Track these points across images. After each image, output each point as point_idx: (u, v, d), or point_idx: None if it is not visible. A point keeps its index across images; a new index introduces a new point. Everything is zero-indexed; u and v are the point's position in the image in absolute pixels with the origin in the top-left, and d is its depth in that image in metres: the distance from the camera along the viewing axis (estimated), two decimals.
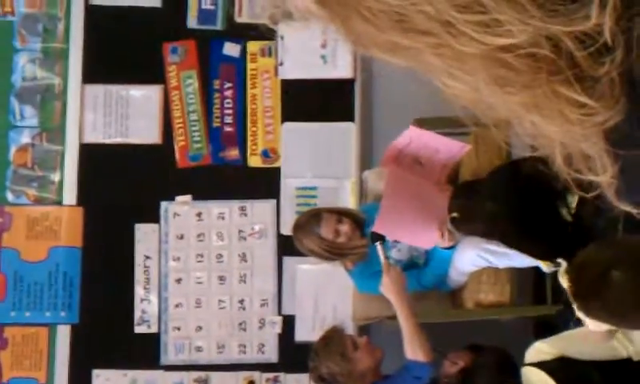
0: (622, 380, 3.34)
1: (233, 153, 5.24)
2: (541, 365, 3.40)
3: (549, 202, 3.17)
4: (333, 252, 4.31)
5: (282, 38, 5.18)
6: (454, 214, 3.81)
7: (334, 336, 4.18)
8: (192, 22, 5.31)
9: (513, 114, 1.11)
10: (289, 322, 5.11)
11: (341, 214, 4.35)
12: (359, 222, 4.36)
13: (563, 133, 1.09)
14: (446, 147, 4.10)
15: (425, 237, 4.14)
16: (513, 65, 1.04)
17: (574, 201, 3.21)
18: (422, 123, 4.43)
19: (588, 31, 1.02)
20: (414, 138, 4.08)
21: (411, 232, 4.16)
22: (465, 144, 4.14)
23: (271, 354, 5.11)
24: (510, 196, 3.24)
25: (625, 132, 1.09)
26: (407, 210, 4.06)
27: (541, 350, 3.49)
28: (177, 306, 5.16)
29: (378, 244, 4.09)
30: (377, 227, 4.10)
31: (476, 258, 4.09)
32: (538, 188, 3.14)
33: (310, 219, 4.32)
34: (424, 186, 4.06)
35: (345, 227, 4.28)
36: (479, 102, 1.09)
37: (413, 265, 4.37)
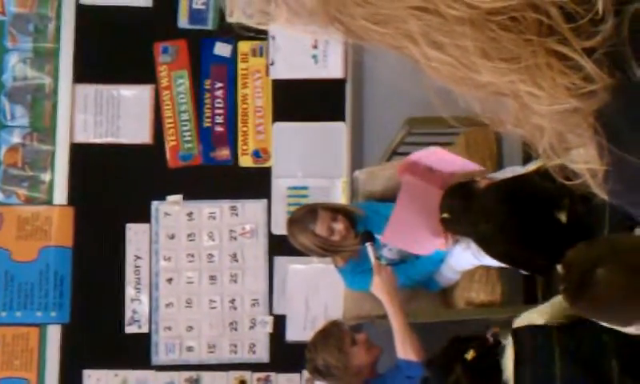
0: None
1: (224, 153, 5.24)
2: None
3: (545, 213, 3.17)
4: (326, 249, 4.31)
5: (273, 37, 5.19)
6: (445, 215, 3.81)
7: (333, 329, 4.19)
8: (183, 21, 5.31)
9: (499, 90, 1.10)
10: (280, 322, 5.12)
11: (336, 211, 4.35)
12: (353, 219, 4.36)
13: (553, 112, 1.08)
14: (459, 163, 4.10)
15: (428, 245, 4.15)
16: (501, 32, 1.03)
17: (567, 202, 3.21)
18: (413, 123, 4.44)
19: (575, 4, 1.02)
20: (435, 153, 4.08)
21: (416, 242, 4.16)
22: (480, 166, 4.13)
23: (262, 354, 5.12)
24: (500, 216, 3.24)
25: (613, 122, 1.08)
26: (415, 220, 4.06)
27: (524, 315, 3.53)
28: (168, 305, 5.16)
29: (368, 244, 4.09)
30: (386, 237, 4.11)
31: (470, 257, 4.09)
32: (532, 202, 3.15)
33: (306, 215, 4.31)
34: (433, 194, 4.05)
35: (339, 226, 4.27)
36: (463, 79, 1.08)
37: (403, 262, 4.37)
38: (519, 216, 3.19)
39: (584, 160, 1.14)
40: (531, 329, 3.49)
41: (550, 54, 1.04)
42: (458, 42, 1.03)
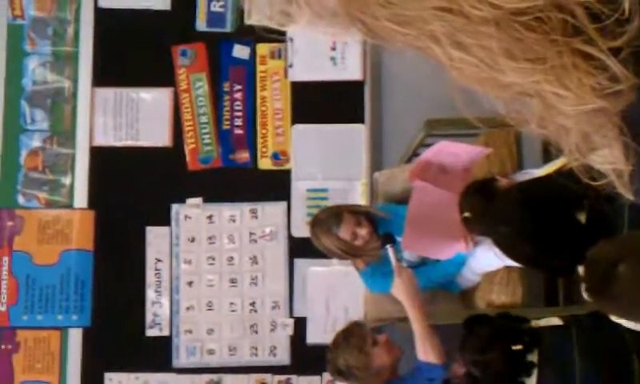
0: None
1: (243, 155, 5.25)
2: None
3: (565, 215, 3.16)
4: (348, 252, 4.31)
5: (291, 39, 5.19)
6: (466, 214, 3.80)
7: (354, 330, 4.18)
8: (201, 24, 5.31)
9: (524, 91, 1.09)
10: (300, 324, 5.11)
11: (361, 215, 4.33)
12: (376, 223, 4.35)
13: (579, 112, 1.07)
14: (466, 151, 4.10)
15: (448, 250, 4.14)
16: (526, 33, 1.02)
17: (587, 203, 3.21)
18: (433, 124, 4.43)
19: (601, 4, 1.01)
20: (442, 147, 4.08)
21: (435, 247, 4.15)
22: (484, 148, 4.13)
23: (283, 357, 5.11)
24: (521, 219, 3.23)
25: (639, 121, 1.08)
26: (431, 226, 4.05)
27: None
28: (188, 308, 5.16)
29: (389, 246, 4.07)
30: (404, 245, 4.11)
31: (493, 258, 4.08)
32: (552, 204, 3.14)
33: (330, 218, 4.30)
34: (448, 198, 4.04)
35: (363, 231, 4.26)
36: (487, 79, 1.07)
37: (423, 264, 4.36)
38: (538, 218, 3.18)
39: (609, 160, 1.13)
40: (551, 329, 3.48)
41: (576, 55, 1.03)
42: (483, 42, 1.03)
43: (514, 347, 3.42)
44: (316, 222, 4.34)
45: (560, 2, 1.01)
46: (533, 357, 3.37)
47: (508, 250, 3.43)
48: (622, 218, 3.00)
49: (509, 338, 3.46)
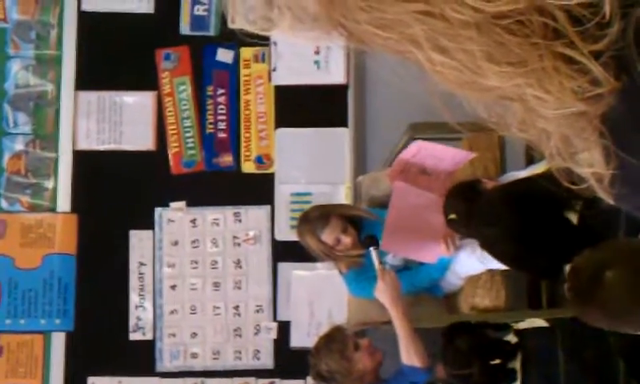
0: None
1: (226, 159, 5.24)
2: None
3: (552, 214, 3.16)
4: (328, 255, 4.31)
5: (275, 43, 5.18)
6: (452, 216, 3.79)
7: (335, 335, 4.18)
8: (185, 28, 5.30)
9: (506, 94, 1.09)
10: (284, 328, 5.11)
11: (349, 221, 4.31)
12: (361, 228, 4.34)
13: (560, 115, 1.07)
14: (450, 155, 4.08)
15: (430, 252, 4.13)
16: (507, 36, 1.02)
17: (578, 204, 3.21)
18: (416, 128, 4.43)
19: (582, 8, 1.01)
20: (422, 148, 4.06)
21: (416, 248, 4.15)
22: (470, 152, 4.13)
23: (267, 360, 5.11)
24: (507, 219, 3.23)
25: (619, 125, 1.08)
26: (412, 226, 4.04)
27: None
28: (172, 312, 5.15)
29: (372, 249, 4.06)
30: (384, 246, 4.09)
31: (476, 262, 4.08)
32: (538, 204, 3.14)
33: (318, 219, 4.28)
34: (430, 200, 4.03)
35: (347, 239, 4.26)
36: (469, 83, 1.08)
37: (407, 269, 4.36)
38: (524, 218, 3.18)
39: (589, 164, 1.13)
40: (535, 331, 3.49)
41: (557, 58, 1.03)
42: (464, 46, 1.03)
43: (492, 362, 3.43)
44: (303, 220, 4.33)
45: (541, 6, 1.01)
46: (515, 364, 3.38)
47: (492, 250, 3.43)
48: (618, 222, 3.00)
49: (487, 353, 3.47)
